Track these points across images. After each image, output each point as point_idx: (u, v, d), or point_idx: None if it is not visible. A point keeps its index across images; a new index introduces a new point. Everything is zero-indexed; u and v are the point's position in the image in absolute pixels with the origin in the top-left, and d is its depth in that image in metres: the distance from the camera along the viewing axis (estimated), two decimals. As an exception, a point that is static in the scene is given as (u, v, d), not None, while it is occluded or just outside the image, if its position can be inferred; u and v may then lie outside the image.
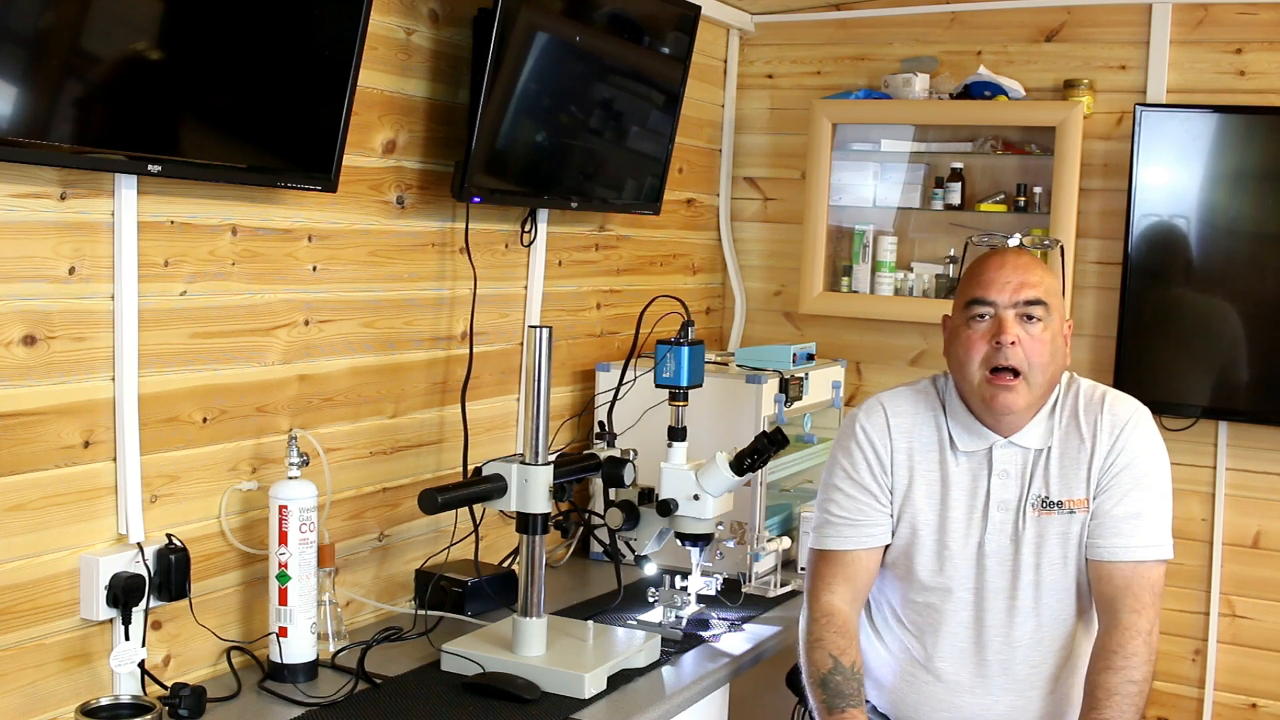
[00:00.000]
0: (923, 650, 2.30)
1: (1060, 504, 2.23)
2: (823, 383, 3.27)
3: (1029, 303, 2.18)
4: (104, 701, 1.96)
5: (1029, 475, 2.25)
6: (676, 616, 2.62)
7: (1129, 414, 2.25)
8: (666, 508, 2.49)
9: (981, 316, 2.20)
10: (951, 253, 3.60)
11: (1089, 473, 2.23)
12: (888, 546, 2.32)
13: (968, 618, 2.26)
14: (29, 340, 1.92)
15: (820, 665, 2.21)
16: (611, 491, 2.54)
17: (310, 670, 2.25)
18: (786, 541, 3.03)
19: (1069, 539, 2.23)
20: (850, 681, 2.19)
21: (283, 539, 2.21)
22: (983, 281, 2.21)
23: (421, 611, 2.60)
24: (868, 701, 2.36)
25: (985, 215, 3.56)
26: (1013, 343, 2.16)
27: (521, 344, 3.00)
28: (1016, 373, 2.17)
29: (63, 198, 1.95)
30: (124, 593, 2.01)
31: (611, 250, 3.36)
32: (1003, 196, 3.57)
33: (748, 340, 3.93)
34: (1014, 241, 2.40)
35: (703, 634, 2.60)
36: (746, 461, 2.43)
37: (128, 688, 2.05)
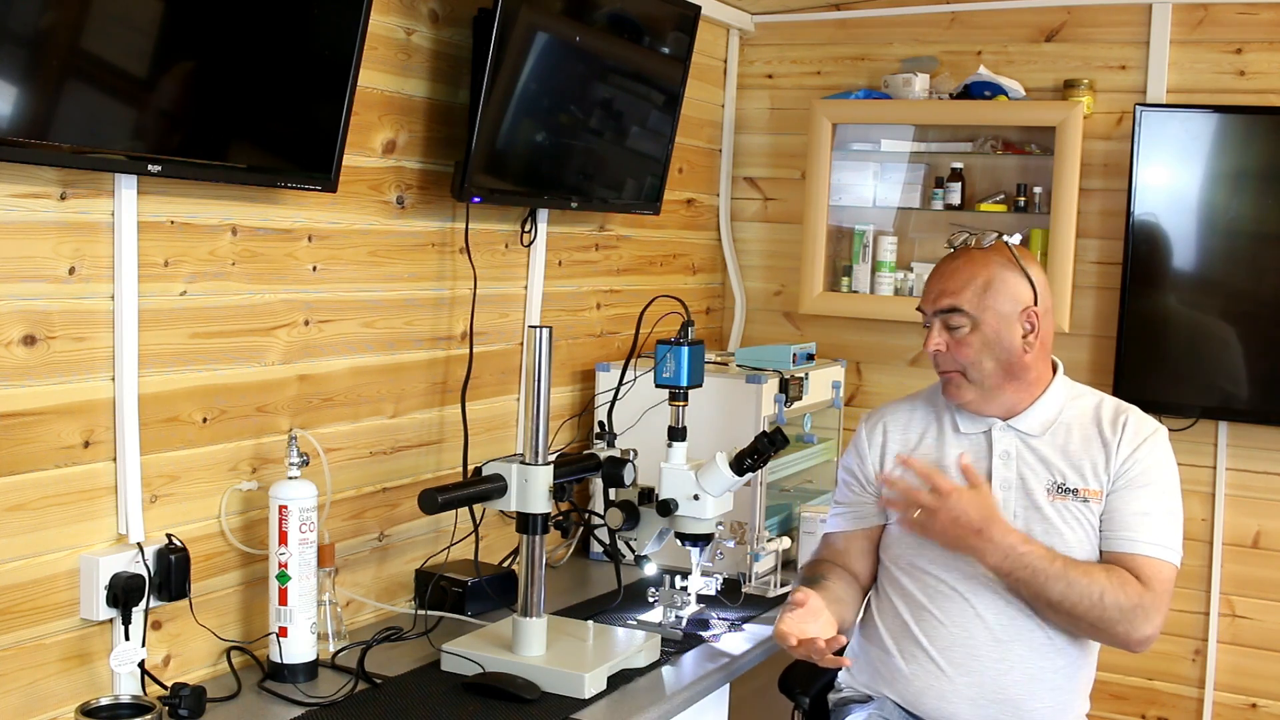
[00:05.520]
0: (936, 633, 2.32)
1: (1076, 491, 2.32)
2: (823, 383, 3.27)
3: (945, 311, 2.34)
4: (104, 701, 1.96)
5: (1035, 460, 2.34)
6: (676, 616, 2.62)
7: (1155, 426, 2.39)
8: (666, 508, 2.49)
9: (926, 324, 2.39)
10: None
11: (1110, 468, 2.32)
12: (886, 530, 2.44)
13: (980, 600, 2.30)
14: (29, 340, 1.92)
15: (810, 570, 2.46)
16: (611, 491, 2.54)
17: (310, 670, 2.25)
18: (786, 541, 3.03)
19: (1084, 525, 2.30)
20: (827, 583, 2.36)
21: (283, 539, 2.21)
22: (924, 289, 2.41)
23: (421, 611, 2.61)
24: (889, 698, 2.38)
25: (985, 215, 3.56)
26: (936, 350, 2.35)
27: (521, 344, 3.00)
28: (956, 371, 2.35)
29: (63, 198, 1.95)
30: (124, 593, 2.01)
31: (611, 250, 3.36)
32: (1003, 196, 3.57)
33: (748, 340, 3.93)
34: (987, 239, 2.48)
35: (703, 634, 2.60)
36: (746, 461, 2.44)
37: (128, 688, 2.05)
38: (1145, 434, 2.34)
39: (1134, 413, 2.38)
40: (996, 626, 2.29)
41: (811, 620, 2.20)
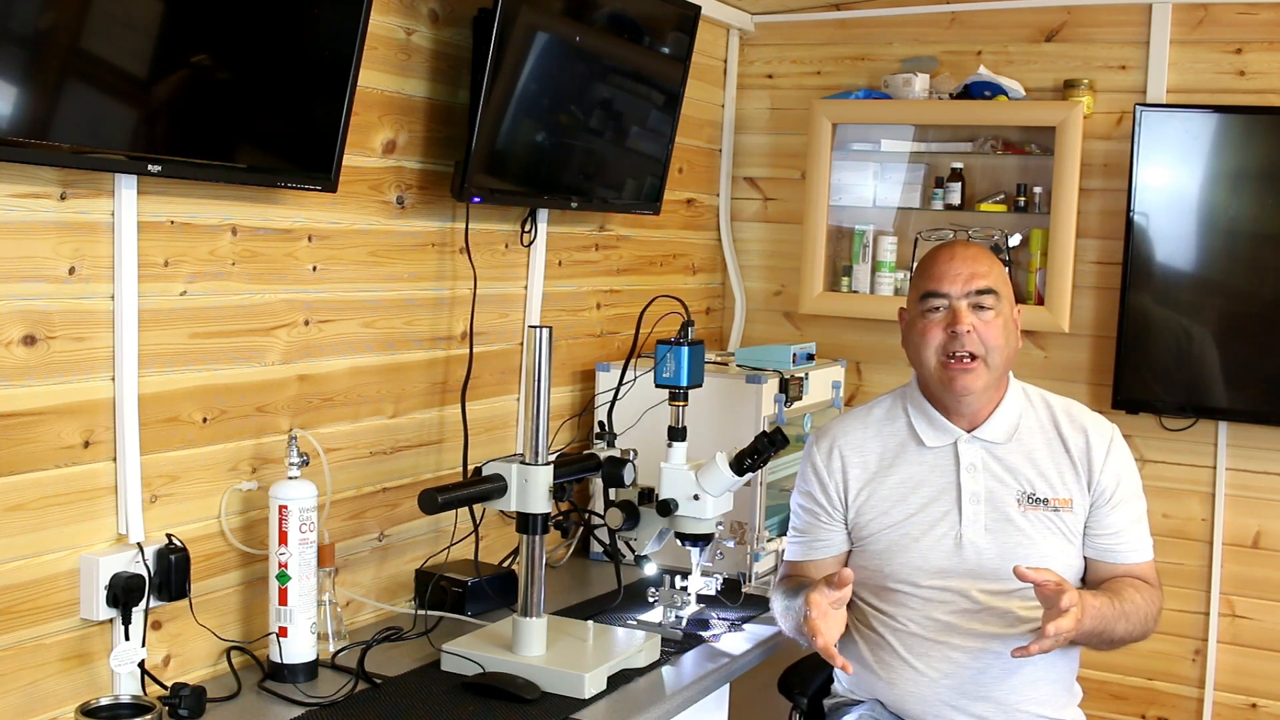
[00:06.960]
0: (911, 643, 2.33)
1: (1046, 501, 2.33)
2: (823, 383, 3.27)
3: (980, 291, 2.30)
4: (104, 701, 1.96)
5: (1002, 470, 2.34)
6: (676, 616, 2.62)
7: (1112, 429, 2.39)
8: (666, 508, 2.49)
9: (936, 308, 2.31)
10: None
11: (1083, 481, 2.33)
12: (852, 553, 2.42)
13: (949, 603, 2.30)
14: (29, 340, 1.92)
15: (789, 585, 2.36)
16: (611, 491, 2.54)
17: (310, 670, 2.25)
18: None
19: (1058, 534, 2.32)
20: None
21: (283, 539, 2.21)
22: (934, 275, 2.32)
23: (421, 611, 2.60)
24: (878, 701, 2.39)
25: (985, 215, 3.56)
26: (968, 331, 2.28)
27: (521, 344, 3.00)
28: (974, 356, 2.29)
29: (63, 198, 1.95)
30: (124, 593, 2.01)
31: (611, 250, 3.36)
32: (1003, 196, 3.57)
33: (748, 340, 3.93)
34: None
35: (703, 634, 2.60)
36: (746, 461, 2.43)
37: (128, 688, 2.05)
38: (1107, 440, 2.36)
39: (1086, 415, 2.40)
40: (968, 627, 2.29)
41: (833, 619, 2.18)
